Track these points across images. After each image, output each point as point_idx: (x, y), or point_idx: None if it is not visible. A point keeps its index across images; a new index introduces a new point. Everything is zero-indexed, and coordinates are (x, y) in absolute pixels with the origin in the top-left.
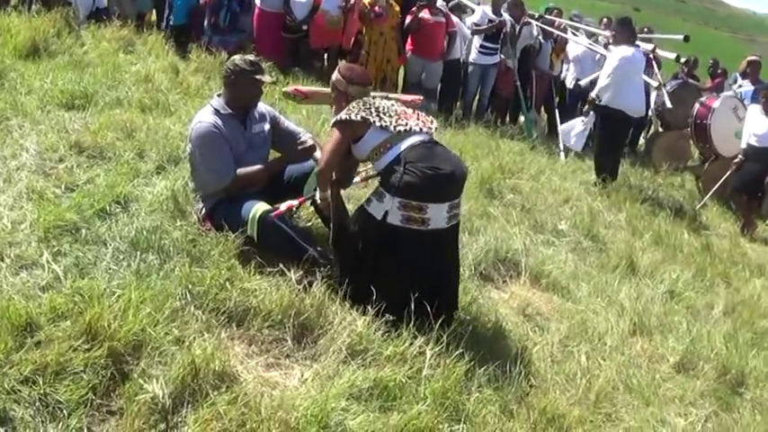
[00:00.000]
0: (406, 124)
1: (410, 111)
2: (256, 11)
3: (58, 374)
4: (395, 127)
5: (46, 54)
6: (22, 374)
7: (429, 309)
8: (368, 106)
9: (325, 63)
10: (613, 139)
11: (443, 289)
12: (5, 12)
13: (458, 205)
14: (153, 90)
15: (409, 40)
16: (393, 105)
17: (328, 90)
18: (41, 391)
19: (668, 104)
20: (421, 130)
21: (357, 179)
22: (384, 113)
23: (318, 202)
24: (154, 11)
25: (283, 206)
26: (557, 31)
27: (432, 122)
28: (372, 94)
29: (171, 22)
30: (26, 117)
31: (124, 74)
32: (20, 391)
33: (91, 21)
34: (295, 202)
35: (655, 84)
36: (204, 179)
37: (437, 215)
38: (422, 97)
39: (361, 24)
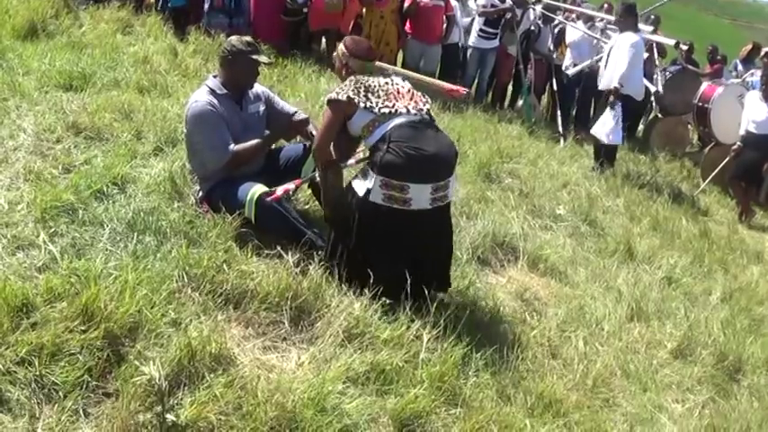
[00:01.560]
0: (393, 105)
1: (405, 90)
2: None
3: (53, 356)
4: (379, 108)
5: (44, 35)
6: (18, 355)
7: (410, 287)
8: (358, 85)
9: (324, 46)
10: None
11: (429, 269)
12: None
13: (444, 187)
14: (151, 71)
15: (408, 24)
16: (386, 84)
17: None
18: (37, 373)
19: (659, 89)
20: (408, 111)
21: (351, 161)
22: (372, 93)
23: (317, 180)
24: None
25: (280, 190)
26: (562, 19)
27: (425, 104)
28: (380, 64)
29: (169, 4)
30: (24, 98)
31: (122, 55)
32: (15, 372)
33: (89, 2)
34: (291, 186)
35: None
36: (203, 157)
37: (419, 196)
38: (468, 90)
39: (360, 7)
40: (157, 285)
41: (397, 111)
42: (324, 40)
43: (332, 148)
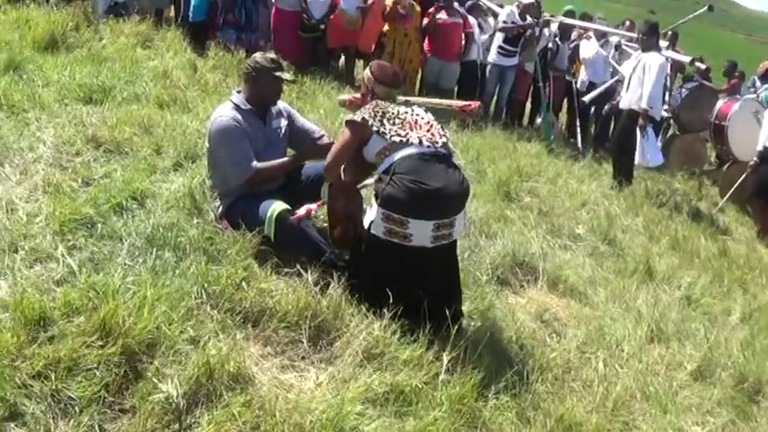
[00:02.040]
0: (406, 135)
1: (424, 121)
2: (273, 9)
3: (70, 370)
4: (390, 136)
5: (64, 47)
6: (35, 369)
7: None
8: (376, 110)
9: (342, 63)
10: (636, 142)
11: (434, 306)
12: (24, 4)
13: (448, 225)
14: (171, 86)
15: (426, 41)
16: (406, 113)
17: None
18: (53, 387)
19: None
20: (421, 143)
21: (370, 180)
22: (388, 120)
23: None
24: (172, 6)
25: (302, 210)
26: (585, 25)
27: (441, 137)
28: (411, 99)
29: (189, 18)
30: (44, 110)
31: (142, 69)
32: (31, 386)
33: (109, 15)
34: (314, 206)
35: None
36: (225, 173)
37: (420, 232)
38: (479, 103)
39: (382, 25)
40: (176, 302)
41: (408, 140)
42: (342, 56)
43: (344, 169)
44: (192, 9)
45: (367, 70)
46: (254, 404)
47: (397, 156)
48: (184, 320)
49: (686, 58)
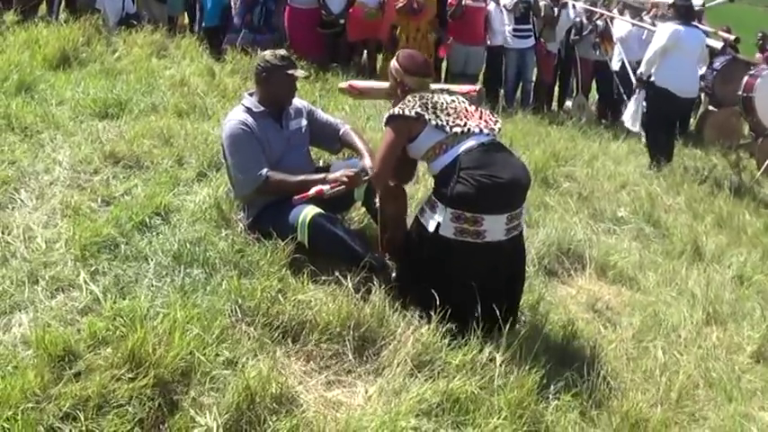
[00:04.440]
0: (465, 125)
1: (472, 108)
2: (287, 8)
3: (100, 408)
4: (451, 128)
5: (76, 63)
6: (62, 410)
7: (480, 321)
8: (424, 101)
9: (365, 57)
10: (660, 118)
11: (503, 304)
12: (33, 22)
13: (519, 215)
14: (189, 94)
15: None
16: (453, 102)
17: (385, 84)
18: (83, 428)
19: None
20: (481, 131)
21: (327, 187)
22: (441, 111)
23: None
24: (185, 13)
25: (312, 191)
26: (605, 12)
27: (496, 123)
28: (432, 86)
29: (203, 24)
30: (58, 129)
31: (158, 79)
32: (59, 428)
33: (121, 27)
34: (326, 186)
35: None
36: (236, 182)
37: (494, 227)
38: (479, 87)
39: (396, 18)
40: (209, 322)
41: (469, 130)
42: (365, 51)
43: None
44: (206, 14)
45: (393, 61)
46: (301, 428)
47: (460, 149)
48: (219, 342)
49: (719, 44)
